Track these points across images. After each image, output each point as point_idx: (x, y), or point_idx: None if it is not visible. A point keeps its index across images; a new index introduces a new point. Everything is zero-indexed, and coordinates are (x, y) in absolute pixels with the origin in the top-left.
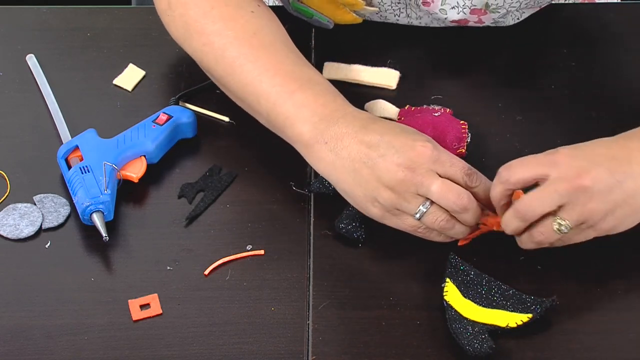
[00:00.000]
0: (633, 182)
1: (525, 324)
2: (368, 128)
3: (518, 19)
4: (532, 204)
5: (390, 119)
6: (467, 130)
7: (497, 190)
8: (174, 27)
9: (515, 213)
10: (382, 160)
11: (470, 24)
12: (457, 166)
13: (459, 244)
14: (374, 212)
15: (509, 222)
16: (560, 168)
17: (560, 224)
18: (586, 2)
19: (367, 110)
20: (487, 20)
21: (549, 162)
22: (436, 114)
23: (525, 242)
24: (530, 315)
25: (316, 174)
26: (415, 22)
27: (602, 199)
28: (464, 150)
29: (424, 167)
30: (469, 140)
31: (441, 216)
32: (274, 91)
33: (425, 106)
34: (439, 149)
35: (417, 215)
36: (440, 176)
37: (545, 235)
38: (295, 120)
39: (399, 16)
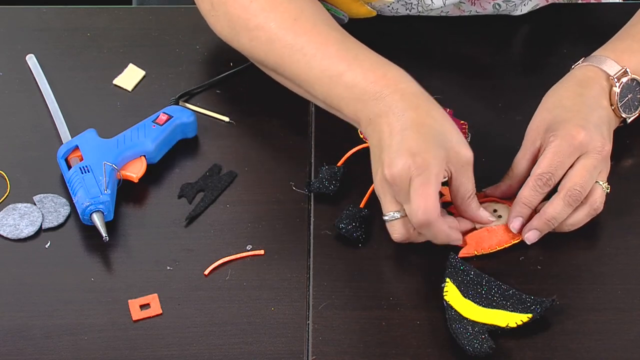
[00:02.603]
0: (612, 129)
1: (525, 324)
2: (403, 115)
3: (525, 4)
4: (583, 185)
5: None
6: (467, 131)
7: (539, 196)
8: (220, 26)
9: (567, 199)
10: (386, 153)
11: None
12: (414, 212)
13: (460, 254)
14: (374, 181)
15: (562, 211)
16: (588, 146)
17: (604, 187)
18: (587, 2)
19: None
20: None
21: (577, 148)
22: None
23: (582, 219)
24: (530, 315)
25: (316, 174)
26: (425, 14)
27: (610, 150)
28: None
29: (404, 182)
30: (469, 140)
31: (400, 235)
32: (325, 76)
33: None
34: (425, 172)
35: (385, 217)
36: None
37: (600, 199)
38: (348, 101)
39: (410, 11)
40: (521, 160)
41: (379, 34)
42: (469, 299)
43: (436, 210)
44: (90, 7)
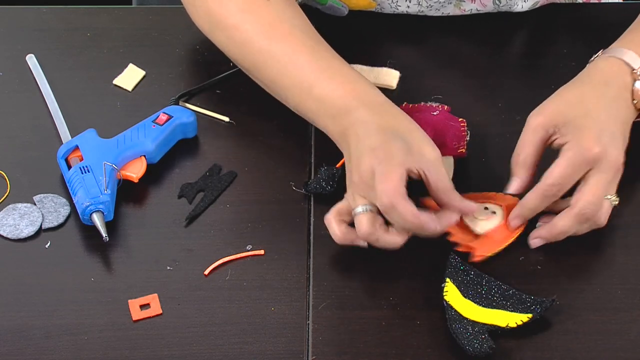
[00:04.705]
0: (628, 129)
1: (525, 324)
2: (370, 123)
3: (525, 0)
4: (596, 203)
5: None
6: (466, 128)
7: (545, 204)
8: (199, 18)
9: (580, 217)
10: (354, 156)
11: None
12: (379, 197)
13: (475, 259)
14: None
15: (572, 227)
16: (602, 160)
17: (612, 200)
18: (587, 1)
19: None
20: None
21: (591, 161)
22: (434, 113)
23: (582, 231)
24: (530, 315)
25: (315, 174)
26: (426, 11)
27: (623, 159)
28: (464, 150)
29: (369, 176)
30: (468, 138)
31: (366, 228)
32: (296, 87)
33: (422, 103)
34: (386, 161)
35: (355, 210)
36: None
37: (605, 214)
38: (318, 115)
39: (410, 2)
40: (528, 145)
41: (377, 35)
42: (469, 299)
43: (399, 192)
44: (90, 7)
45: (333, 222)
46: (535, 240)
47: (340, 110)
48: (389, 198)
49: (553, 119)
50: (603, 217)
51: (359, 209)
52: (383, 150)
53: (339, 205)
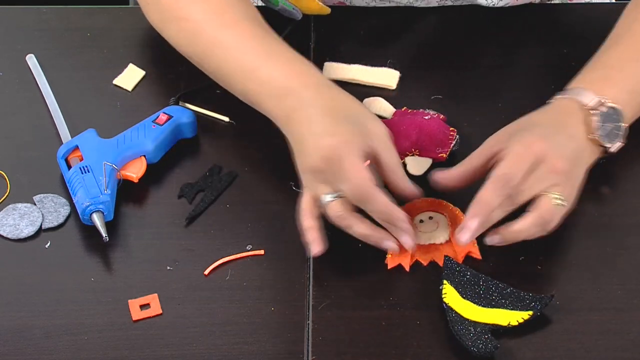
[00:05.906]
0: (584, 159)
1: (526, 322)
2: (318, 105)
3: None
4: (515, 173)
5: (386, 118)
6: (455, 137)
7: (498, 198)
8: (151, 13)
9: (497, 184)
10: (309, 141)
11: None
12: (354, 188)
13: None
14: (300, 174)
15: (492, 196)
16: (545, 157)
17: (555, 198)
18: (586, 2)
19: (365, 106)
20: None
21: (535, 154)
22: (426, 117)
23: (527, 227)
24: (530, 313)
25: None
26: (411, 1)
27: (574, 177)
28: (445, 155)
29: (334, 162)
30: (455, 147)
31: (342, 212)
32: (240, 70)
33: (421, 110)
34: (351, 149)
35: (325, 200)
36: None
37: (546, 208)
38: (264, 97)
39: None
40: (476, 156)
41: (377, 35)
42: (468, 299)
43: (372, 180)
44: (90, 7)
45: (315, 230)
46: (470, 222)
47: (285, 91)
48: (361, 188)
49: (500, 138)
50: (544, 210)
51: (328, 197)
52: (344, 136)
53: (306, 205)
